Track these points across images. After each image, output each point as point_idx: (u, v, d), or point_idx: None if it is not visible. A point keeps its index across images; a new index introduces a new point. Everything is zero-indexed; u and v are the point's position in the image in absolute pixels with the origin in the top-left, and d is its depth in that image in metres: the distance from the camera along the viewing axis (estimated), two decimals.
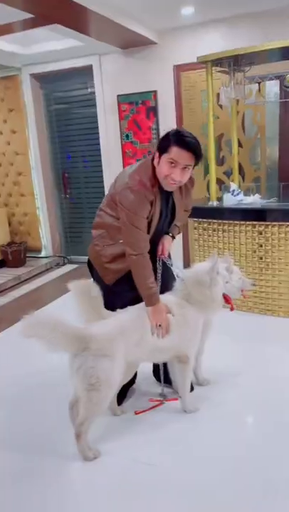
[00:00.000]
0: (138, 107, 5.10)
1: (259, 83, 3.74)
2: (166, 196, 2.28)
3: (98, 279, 2.42)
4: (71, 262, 6.07)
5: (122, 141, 5.23)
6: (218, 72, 3.86)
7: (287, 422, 2.31)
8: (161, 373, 2.57)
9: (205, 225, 3.89)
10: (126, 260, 2.23)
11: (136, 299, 2.26)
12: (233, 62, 3.59)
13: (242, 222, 3.64)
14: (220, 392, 2.62)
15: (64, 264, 6.04)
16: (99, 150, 5.46)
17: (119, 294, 2.32)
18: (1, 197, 6.25)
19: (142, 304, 2.23)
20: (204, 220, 3.88)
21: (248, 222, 3.61)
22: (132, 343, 2.13)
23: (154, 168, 2.18)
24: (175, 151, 2.08)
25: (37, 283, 5.31)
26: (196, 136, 2.16)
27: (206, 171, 4.45)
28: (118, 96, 5.15)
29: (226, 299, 2.38)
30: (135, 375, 2.65)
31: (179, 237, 5.06)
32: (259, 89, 3.83)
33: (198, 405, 2.45)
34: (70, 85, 5.59)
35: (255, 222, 3.57)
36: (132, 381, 2.63)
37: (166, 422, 2.37)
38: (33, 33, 4.38)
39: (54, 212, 6.13)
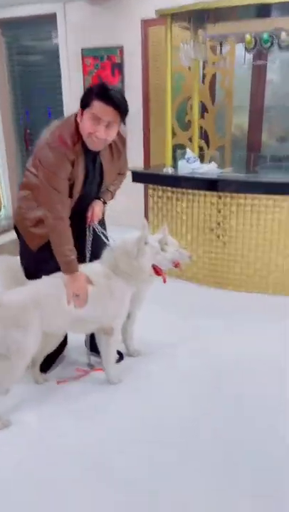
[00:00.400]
0: (103, 63, 4.81)
1: (221, 43, 3.51)
2: (93, 157, 2.13)
3: (23, 245, 2.30)
4: None
5: None
6: (182, 28, 3.62)
7: (212, 394, 2.30)
8: (87, 342, 2.52)
9: (160, 192, 3.76)
10: None
11: None
12: (195, 18, 3.34)
13: (195, 192, 3.51)
14: (148, 363, 2.58)
15: None
16: (62, 105, 5.19)
17: (45, 261, 2.19)
18: None
19: (61, 273, 2.12)
20: (159, 187, 3.74)
21: (200, 192, 3.48)
22: (48, 313, 2.03)
23: (77, 124, 2.02)
24: (97, 106, 1.93)
25: None
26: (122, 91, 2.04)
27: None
28: (82, 49, 4.83)
29: (156, 270, 2.29)
30: (64, 343, 2.59)
31: (140, 205, 4.97)
32: (220, 51, 3.59)
33: (122, 377, 2.41)
34: (34, 34, 5.23)
35: (207, 193, 3.45)
36: (60, 350, 2.57)
37: (88, 393, 2.33)
38: None
39: (15, 170, 5.87)
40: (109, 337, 2.28)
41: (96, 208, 2.31)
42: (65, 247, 2.07)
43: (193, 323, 3.04)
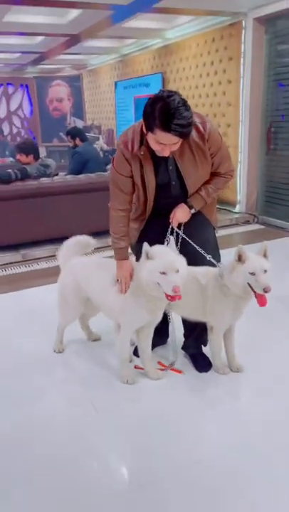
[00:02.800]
0: None
1: None
2: (165, 159, 2.10)
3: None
4: (260, 223, 5.85)
5: None
6: None
7: None
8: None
9: None
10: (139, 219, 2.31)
11: None
12: None
13: None
14: None
15: (253, 222, 5.88)
16: None
17: (141, 251, 2.26)
18: None
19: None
20: None
21: None
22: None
23: (142, 132, 2.05)
24: (161, 135, 1.92)
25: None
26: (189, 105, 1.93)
27: None
28: None
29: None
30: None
31: None
32: None
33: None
34: None
35: None
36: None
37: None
38: None
39: (255, 168, 5.91)
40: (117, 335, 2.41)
41: (177, 211, 2.23)
42: (115, 235, 2.30)
43: None
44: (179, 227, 2.28)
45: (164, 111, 1.88)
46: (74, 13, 5.35)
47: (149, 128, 1.97)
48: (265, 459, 1.87)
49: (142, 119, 2.05)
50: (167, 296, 2.05)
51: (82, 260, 2.60)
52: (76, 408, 2.25)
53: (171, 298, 2.05)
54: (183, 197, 2.26)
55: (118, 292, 2.29)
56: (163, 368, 2.53)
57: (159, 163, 2.17)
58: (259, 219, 5.90)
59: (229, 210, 6.17)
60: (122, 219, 2.28)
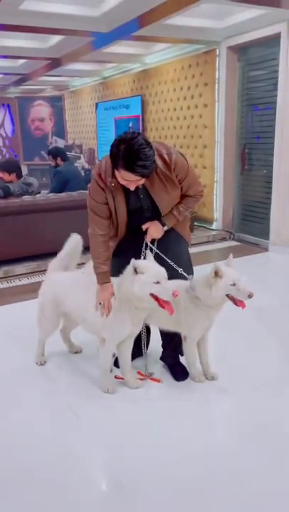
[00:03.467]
0: None
1: None
2: (136, 189, 2.24)
3: None
4: (236, 239, 6.07)
5: None
6: None
7: None
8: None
9: None
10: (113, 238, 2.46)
11: None
12: None
13: None
14: None
15: (229, 239, 6.09)
16: (273, 126, 5.18)
17: (116, 265, 2.42)
18: None
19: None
20: None
21: None
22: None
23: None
24: (125, 174, 2.09)
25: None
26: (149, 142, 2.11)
27: None
28: None
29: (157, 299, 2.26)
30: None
31: None
32: None
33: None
34: (264, 56, 5.38)
35: None
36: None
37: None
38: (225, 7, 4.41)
39: (230, 187, 6.16)
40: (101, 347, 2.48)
41: (151, 227, 2.39)
42: (96, 260, 2.36)
43: None
44: (152, 242, 2.42)
45: (128, 152, 2.04)
46: (56, 38, 5.56)
47: (115, 166, 2.14)
48: (240, 461, 1.99)
49: (108, 155, 2.23)
50: (163, 303, 2.19)
51: (61, 276, 2.70)
52: (57, 416, 2.34)
53: (167, 305, 2.19)
54: (156, 218, 2.41)
55: (100, 315, 2.37)
56: (142, 377, 2.64)
57: (130, 192, 2.30)
58: (235, 236, 6.13)
59: (206, 228, 6.38)
60: (102, 244, 2.37)
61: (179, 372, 2.65)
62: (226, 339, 3.02)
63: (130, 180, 2.14)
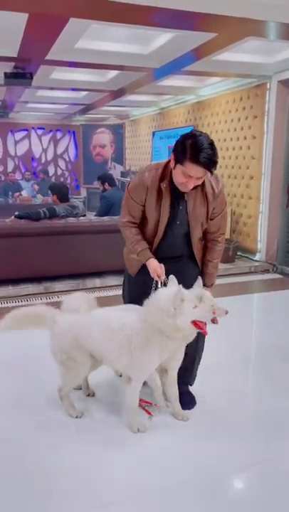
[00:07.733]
0: None
1: None
2: (178, 197, 2.30)
3: (126, 274, 2.69)
4: (279, 272, 5.93)
5: None
6: None
7: None
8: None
9: None
10: None
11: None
12: None
13: None
14: None
15: (272, 271, 5.97)
16: None
17: (141, 283, 2.44)
18: (229, 196, 6.65)
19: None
20: None
21: None
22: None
23: (168, 166, 2.26)
24: (189, 167, 2.11)
25: (225, 280, 5.36)
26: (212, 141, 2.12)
27: None
28: None
29: (197, 324, 2.13)
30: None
31: None
32: None
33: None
34: None
35: None
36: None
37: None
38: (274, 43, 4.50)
39: (275, 219, 6.08)
40: (127, 386, 2.34)
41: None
42: (130, 243, 2.42)
43: None
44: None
45: (195, 145, 2.10)
46: (112, 73, 5.93)
47: (179, 161, 2.15)
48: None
49: (166, 159, 2.33)
50: (202, 326, 2.12)
51: (78, 318, 2.44)
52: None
53: (205, 327, 2.14)
54: (182, 239, 2.44)
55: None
56: (146, 403, 2.61)
57: (174, 199, 2.34)
58: (278, 268, 6.00)
59: (249, 258, 6.31)
60: (133, 229, 2.43)
61: (186, 400, 2.64)
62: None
63: (192, 176, 2.15)
